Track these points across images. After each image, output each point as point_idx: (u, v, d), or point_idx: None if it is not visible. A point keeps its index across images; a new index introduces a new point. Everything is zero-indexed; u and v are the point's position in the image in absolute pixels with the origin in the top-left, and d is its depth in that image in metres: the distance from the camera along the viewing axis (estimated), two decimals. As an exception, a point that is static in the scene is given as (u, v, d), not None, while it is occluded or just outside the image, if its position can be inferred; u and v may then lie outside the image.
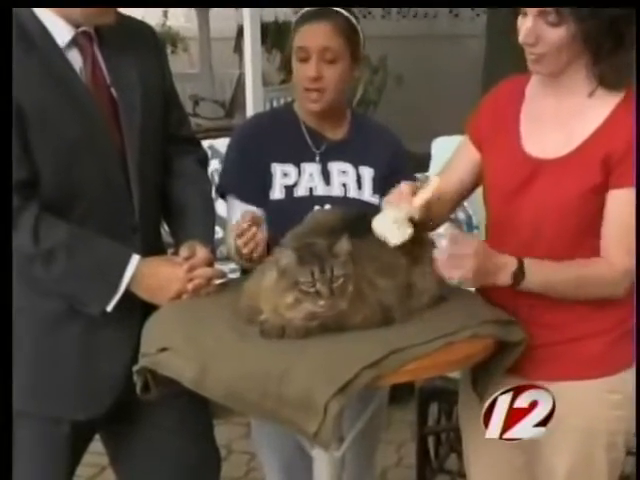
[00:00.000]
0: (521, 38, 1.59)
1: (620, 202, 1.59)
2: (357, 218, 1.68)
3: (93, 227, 1.72)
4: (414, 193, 1.63)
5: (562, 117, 1.65)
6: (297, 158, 2.03)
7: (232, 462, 2.99)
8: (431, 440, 2.79)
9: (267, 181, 2.02)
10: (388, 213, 1.61)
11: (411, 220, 1.59)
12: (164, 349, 1.52)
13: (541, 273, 1.60)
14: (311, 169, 2.03)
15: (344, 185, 2.04)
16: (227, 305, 1.63)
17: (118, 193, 1.75)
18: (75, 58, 1.71)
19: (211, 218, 1.93)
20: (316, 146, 2.04)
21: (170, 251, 1.88)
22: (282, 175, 2.02)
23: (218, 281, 1.79)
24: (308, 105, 2.00)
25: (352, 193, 2.04)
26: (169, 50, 7.09)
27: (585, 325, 1.67)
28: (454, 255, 1.53)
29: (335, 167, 2.04)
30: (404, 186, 1.63)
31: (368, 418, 1.71)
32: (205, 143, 2.73)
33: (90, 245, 1.70)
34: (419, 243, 1.65)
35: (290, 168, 2.03)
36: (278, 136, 2.05)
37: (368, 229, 1.63)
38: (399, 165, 2.08)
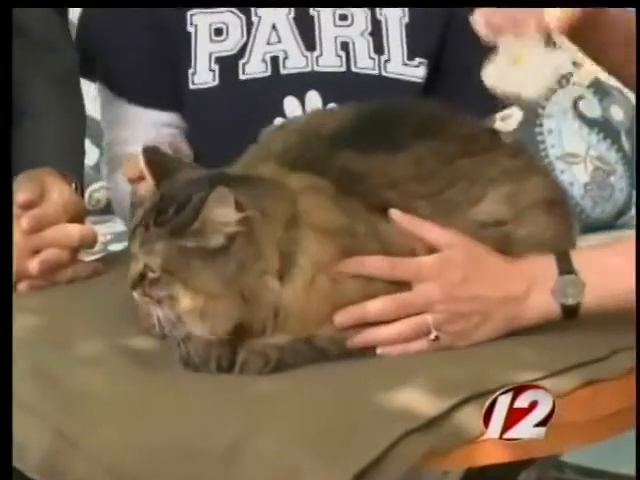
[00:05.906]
0: None
1: None
2: (391, 114, 1.31)
3: None
4: None
5: None
6: None
7: None
8: None
9: (182, 54, 1.59)
10: (503, 52, 1.38)
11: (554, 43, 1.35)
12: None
13: (606, 264, 1.33)
14: (273, 17, 1.61)
15: (345, 47, 1.63)
16: (116, 305, 1.33)
17: None
18: None
19: (77, 122, 1.60)
20: None
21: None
22: (212, 35, 1.60)
23: (93, 256, 1.53)
24: None
25: (363, 63, 1.62)
26: None
27: None
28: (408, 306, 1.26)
29: (324, 11, 1.62)
30: None
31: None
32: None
33: None
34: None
35: (228, 17, 1.59)
36: None
37: (413, 136, 1.32)
38: None
